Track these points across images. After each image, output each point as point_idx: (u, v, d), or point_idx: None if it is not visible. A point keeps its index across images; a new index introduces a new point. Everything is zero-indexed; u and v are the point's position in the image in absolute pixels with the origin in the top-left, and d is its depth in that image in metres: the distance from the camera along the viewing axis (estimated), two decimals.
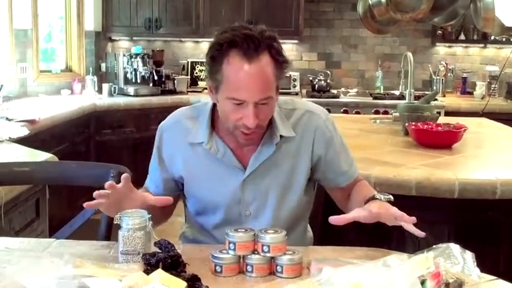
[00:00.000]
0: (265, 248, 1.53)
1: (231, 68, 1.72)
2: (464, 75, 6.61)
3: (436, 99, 5.67)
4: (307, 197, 2.02)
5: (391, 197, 1.76)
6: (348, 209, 1.84)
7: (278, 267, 1.53)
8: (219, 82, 1.76)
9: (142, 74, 6.04)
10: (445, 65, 6.56)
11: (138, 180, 2.01)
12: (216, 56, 1.75)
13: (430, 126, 3.35)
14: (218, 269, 1.53)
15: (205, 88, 6.58)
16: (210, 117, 1.92)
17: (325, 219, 2.31)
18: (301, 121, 1.95)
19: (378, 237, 2.55)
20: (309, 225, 2.17)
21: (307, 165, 1.96)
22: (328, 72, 6.59)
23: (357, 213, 1.69)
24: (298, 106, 1.99)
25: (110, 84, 5.94)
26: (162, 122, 2.01)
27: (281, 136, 1.90)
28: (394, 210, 1.66)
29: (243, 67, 1.71)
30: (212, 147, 1.90)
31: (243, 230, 1.57)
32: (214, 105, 1.91)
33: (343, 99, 6.13)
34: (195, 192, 1.96)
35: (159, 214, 1.86)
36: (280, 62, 1.78)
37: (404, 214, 1.66)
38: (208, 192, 1.92)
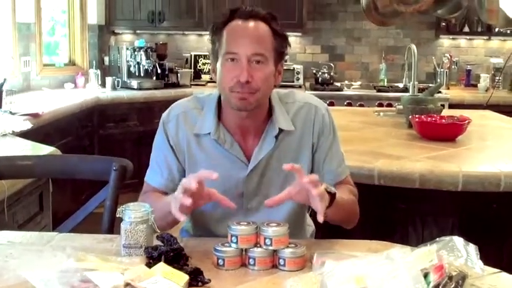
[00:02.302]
0: (268, 241, 1.53)
1: (229, 28, 1.83)
2: (468, 67, 6.58)
3: (440, 92, 5.66)
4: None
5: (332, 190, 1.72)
6: (331, 221, 1.81)
7: (281, 260, 1.53)
8: (219, 47, 1.84)
9: (146, 67, 6.02)
10: (449, 57, 6.53)
11: (142, 174, 2.01)
12: (217, 27, 1.85)
13: (433, 119, 3.34)
14: (220, 262, 1.53)
15: (209, 81, 6.60)
16: (216, 108, 1.91)
17: None
18: (301, 113, 1.96)
19: (381, 230, 2.55)
20: (310, 219, 2.17)
21: (309, 157, 1.97)
22: (331, 65, 6.58)
23: (287, 191, 1.69)
24: (297, 99, 1.99)
25: (113, 77, 5.93)
26: (164, 114, 1.99)
27: (281, 130, 1.90)
28: (318, 189, 1.61)
29: (238, 24, 1.83)
30: (220, 137, 1.89)
31: (246, 223, 1.57)
32: (219, 97, 1.92)
33: (346, 92, 6.12)
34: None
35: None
36: (278, 33, 1.86)
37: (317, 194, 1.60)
38: (212, 185, 1.91)
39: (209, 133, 1.90)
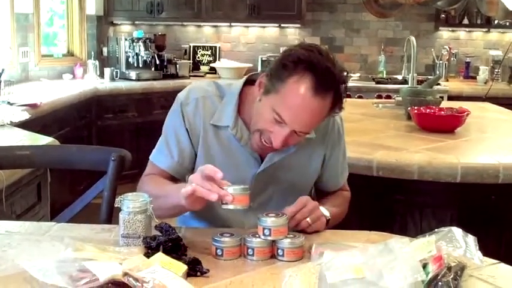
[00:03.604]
0: (267, 232, 1.52)
1: (295, 89, 1.66)
2: (468, 59, 6.57)
3: (439, 84, 5.65)
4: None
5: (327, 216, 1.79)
6: None
7: (279, 251, 1.53)
8: (274, 89, 1.70)
9: (144, 58, 6.02)
10: (448, 49, 6.52)
11: (140, 165, 2.00)
12: (288, 66, 1.68)
13: (432, 111, 3.34)
14: (219, 252, 1.53)
15: (207, 72, 6.59)
16: (237, 102, 1.87)
17: None
18: (321, 124, 1.88)
19: (379, 221, 2.55)
20: None
21: (319, 165, 1.97)
22: None
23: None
24: None
25: (112, 68, 5.92)
26: (181, 95, 1.92)
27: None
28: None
29: (306, 95, 1.66)
30: (238, 132, 1.86)
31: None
32: (242, 89, 1.89)
33: None
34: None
35: None
36: (337, 108, 1.77)
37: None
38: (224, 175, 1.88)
39: (227, 126, 1.86)
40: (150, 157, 1.96)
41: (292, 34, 6.62)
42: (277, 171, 1.91)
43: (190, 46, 6.74)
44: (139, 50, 6.01)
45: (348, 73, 1.78)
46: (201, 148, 1.89)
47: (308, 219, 1.69)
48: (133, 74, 5.93)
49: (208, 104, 1.89)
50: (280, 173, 1.91)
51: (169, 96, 2.05)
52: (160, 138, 1.95)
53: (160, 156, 1.93)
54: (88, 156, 2.22)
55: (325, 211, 1.77)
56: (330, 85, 1.69)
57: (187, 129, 1.89)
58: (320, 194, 2.07)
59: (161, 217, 1.69)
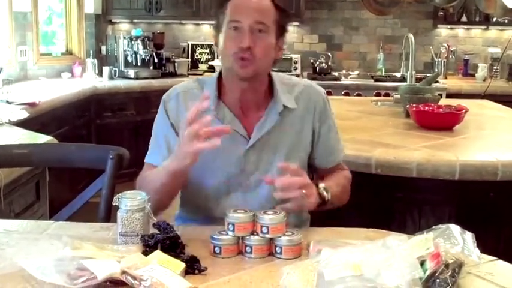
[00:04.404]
0: (264, 229, 1.53)
1: (234, 0, 1.88)
2: (466, 57, 6.58)
3: (437, 81, 5.65)
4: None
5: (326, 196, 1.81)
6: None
7: (277, 248, 1.53)
8: (222, 19, 1.88)
9: (143, 56, 6.02)
10: (447, 46, 6.52)
11: (139, 163, 2.00)
12: (222, 1, 1.90)
13: (431, 108, 3.33)
14: (217, 250, 1.53)
15: (206, 71, 6.59)
16: (216, 86, 1.94)
17: None
18: (303, 95, 2.00)
19: (378, 218, 2.55)
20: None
21: (309, 138, 1.99)
22: (329, 54, 6.57)
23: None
24: (297, 82, 2.05)
25: (110, 67, 5.92)
26: (165, 94, 2.01)
27: (284, 107, 1.93)
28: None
29: None
30: (219, 113, 1.90)
31: (242, 211, 1.56)
32: (220, 76, 1.96)
33: (344, 81, 6.12)
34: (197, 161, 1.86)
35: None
36: (280, 7, 1.92)
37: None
38: (212, 160, 1.88)
39: (210, 110, 1.89)
40: (145, 159, 2.00)
41: (291, 32, 6.62)
42: (266, 146, 1.93)
43: (188, 44, 6.74)
44: (138, 48, 6.01)
45: None
46: None
47: (304, 190, 1.69)
48: (131, 73, 5.93)
49: (189, 96, 1.96)
50: (269, 148, 1.94)
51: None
52: (150, 140, 2.01)
53: (153, 155, 1.98)
54: (86, 154, 2.22)
55: (325, 191, 1.80)
56: None
57: (172, 124, 1.94)
58: (320, 173, 2.08)
59: (163, 203, 1.80)
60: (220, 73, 1.98)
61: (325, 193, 1.80)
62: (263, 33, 1.86)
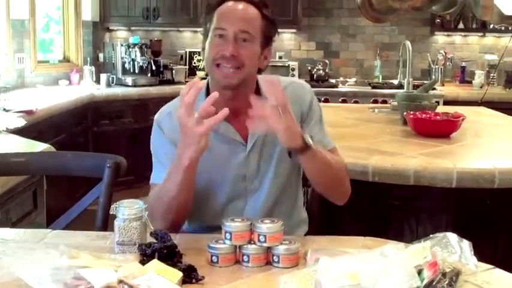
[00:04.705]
0: (262, 238, 1.52)
1: (221, 8, 1.90)
2: (463, 64, 6.59)
3: (434, 89, 5.66)
4: (296, 169, 2.03)
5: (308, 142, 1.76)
6: (316, 183, 1.94)
7: (275, 257, 1.53)
8: (209, 27, 1.90)
9: (140, 64, 6.02)
10: (444, 54, 6.54)
11: (136, 171, 2.00)
12: (210, 6, 1.93)
13: (428, 115, 3.33)
14: (214, 259, 1.52)
15: (203, 78, 6.56)
16: (206, 93, 1.91)
17: (323, 210, 2.31)
18: (288, 90, 1.96)
19: (375, 227, 2.55)
20: (305, 210, 2.16)
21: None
22: (326, 61, 6.58)
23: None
24: (282, 79, 1.98)
25: (108, 74, 5.93)
26: (156, 115, 2.01)
27: None
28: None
29: (229, 4, 1.90)
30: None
31: (239, 220, 1.56)
32: (208, 86, 1.95)
33: (341, 88, 6.13)
34: (199, 173, 1.83)
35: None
36: (267, 17, 1.92)
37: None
38: (215, 173, 1.90)
39: None
40: (150, 181, 1.97)
41: (288, 39, 6.63)
42: (263, 147, 1.94)
43: (186, 52, 6.74)
44: (136, 55, 6.01)
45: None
46: None
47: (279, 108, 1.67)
48: (129, 80, 5.93)
49: None
50: (266, 148, 1.95)
51: (165, 102, 2.05)
52: (153, 162, 1.99)
53: (157, 174, 1.95)
54: (84, 163, 2.22)
55: (308, 138, 1.75)
56: (248, 1, 1.91)
57: (170, 141, 1.93)
58: None
59: (179, 216, 1.81)
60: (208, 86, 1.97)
61: (309, 139, 1.75)
62: (247, 42, 1.86)
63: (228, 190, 1.94)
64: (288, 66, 6.33)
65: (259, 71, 1.95)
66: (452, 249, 1.41)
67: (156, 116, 2.01)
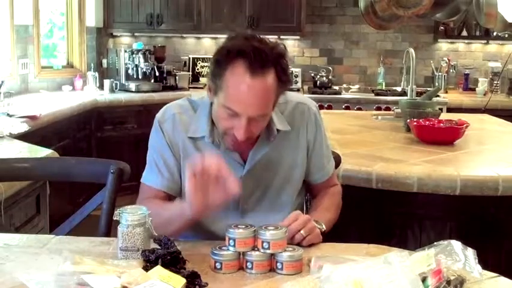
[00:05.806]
0: (265, 245, 1.52)
1: (234, 78, 1.70)
2: (467, 71, 6.59)
3: (438, 96, 5.66)
4: (300, 196, 2.06)
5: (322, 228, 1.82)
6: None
7: (278, 264, 1.52)
8: (218, 87, 1.75)
9: (144, 70, 6.03)
10: (447, 61, 6.54)
11: (140, 177, 1.99)
12: (221, 61, 1.73)
13: (431, 123, 3.33)
14: (218, 265, 1.52)
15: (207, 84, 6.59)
16: (210, 111, 1.90)
17: None
18: (295, 114, 1.97)
19: (379, 234, 2.55)
20: None
21: (305, 157, 1.99)
22: (330, 68, 6.58)
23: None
24: (289, 98, 1.99)
25: (112, 80, 5.93)
26: (158, 114, 1.97)
27: (278, 130, 1.91)
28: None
29: (245, 80, 1.68)
30: (215, 140, 1.88)
31: (243, 227, 1.56)
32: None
33: (345, 95, 6.12)
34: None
35: None
36: (283, 81, 1.76)
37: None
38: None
39: (203, 136, 1.89)
40: (142, 179, 1.98)
41: (292, 46, 6.64)
42: (263, 171, 1.93)
43: (189, 58, 6.75)
44: (139, 61, 6.02)
45: (284, 46, 1.78)
46: (184, 162, 1.91)
47: (302, 231, 1.70)
48: (132, 86, 5.94)
49: (184, 118, 1.94)
50: (266, 172, 1.94)
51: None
52: (147, 160, 1.99)
53: (151, 177, 1.95)
54: (87, 168, 2.21)
55: (318, 224, 1.79)
56: (265, 62, 1.70)
57: (168, 145, 1.92)
58: (310, 190, 2.10)
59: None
60: None
61: (319, 226, 1.79)
62: (263, 117, 1.78)
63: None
64: (292, 73, 6.33)
65: None
66: (457, 257, 1.40)
67: (158, 115, 1.98)
